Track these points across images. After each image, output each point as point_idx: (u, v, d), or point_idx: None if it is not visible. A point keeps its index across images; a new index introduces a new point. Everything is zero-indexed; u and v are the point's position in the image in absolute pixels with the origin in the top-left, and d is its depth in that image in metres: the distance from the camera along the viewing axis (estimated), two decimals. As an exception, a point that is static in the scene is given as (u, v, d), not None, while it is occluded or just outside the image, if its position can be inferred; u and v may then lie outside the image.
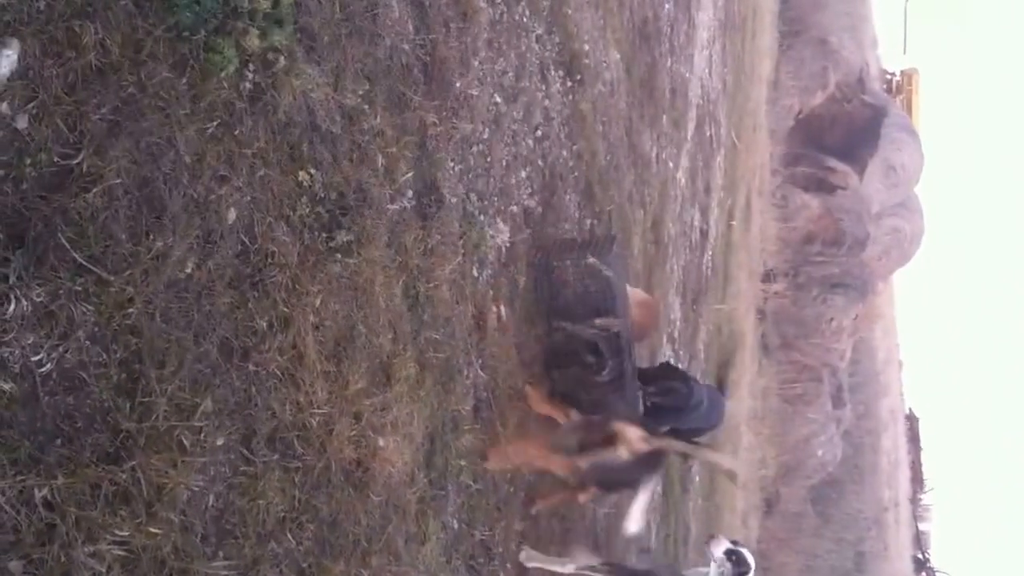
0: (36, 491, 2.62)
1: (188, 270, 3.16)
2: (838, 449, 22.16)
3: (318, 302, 3.84)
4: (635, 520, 5.28)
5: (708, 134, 12.90)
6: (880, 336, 30.01)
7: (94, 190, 2.81)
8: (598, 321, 6.29)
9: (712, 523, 12.22)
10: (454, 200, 5.09)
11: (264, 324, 3.52)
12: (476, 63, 5.43)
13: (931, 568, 40.25)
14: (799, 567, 22.02)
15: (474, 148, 5.42)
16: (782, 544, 20.93)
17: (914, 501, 40.05)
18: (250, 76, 3.50)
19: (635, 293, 7.22)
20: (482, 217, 5.41)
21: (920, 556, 39.65)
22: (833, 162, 20.88)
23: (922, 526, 42.09)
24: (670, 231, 10.49)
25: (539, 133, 6.46)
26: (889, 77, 33.64)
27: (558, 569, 5.86)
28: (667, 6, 10.43)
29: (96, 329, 2.81)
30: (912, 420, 40.54)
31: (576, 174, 7.16)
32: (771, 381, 19.61)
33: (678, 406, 7.24)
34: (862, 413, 25.19)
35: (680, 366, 9.74)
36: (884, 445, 29.51)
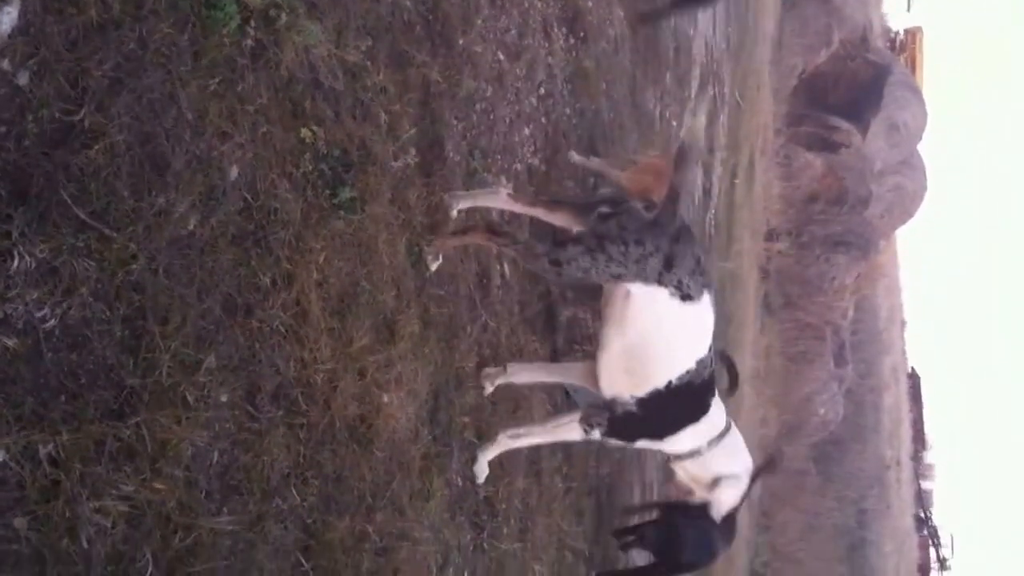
0: (40, 447, 2.62)
1: (191, 227, 3.16)
2: (840, 408, 22.22)
3: (321, 259, 3.84)
4: None
5: (712, 93, 12.84)
6: (883, 294, 30.00)
7: (96, 146, 2.80)
8: None
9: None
10: (457, 158, 5.08)
11: (267, 281, 3.51)
12: (479, 20, 5.40)
13: (933, 526, 40.50)
14: (801, 525, 22.14)
15: (477, 106, 5.41)
16: (784, 503, 21.03)
17: (916, 459, 40.21)
18: (252, 32, 3.49)
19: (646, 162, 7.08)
20: (486, 175, 5.39)
21: (922, 514, 39.87)
22: (836, 121, 20.80)
23: (924, 484, 42.31)
24: (673, 189, 10.44)
25: (542, 91, 6.43)
26: (893, 35, 33.48)
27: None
28: (672, -38, 10.34)
29: (99, 285, 2.81)
30: (914, 378, 40.63)
31: (579, 132, 7.14)
32: (774, 340, 19.63)
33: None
34: (864, 372, 25.22)
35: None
36: (886, 403, 29.57)
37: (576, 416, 4.92)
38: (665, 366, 4.55)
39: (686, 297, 4.27)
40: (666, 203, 4.25)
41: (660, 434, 4.99)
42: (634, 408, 4.68)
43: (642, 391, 4.63)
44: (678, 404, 4.72)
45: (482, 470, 5.10)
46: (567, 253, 4.27)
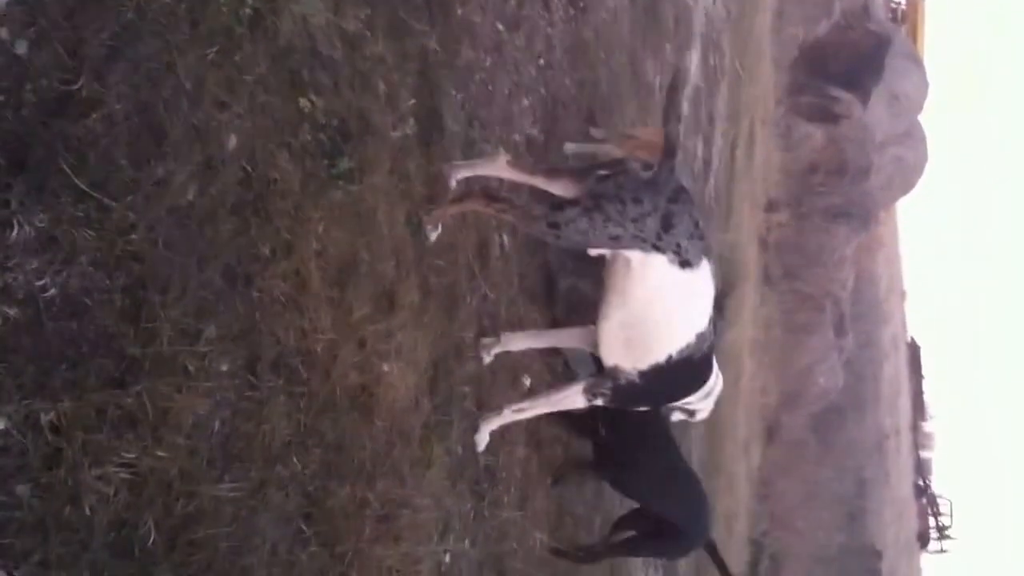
0: (42, 415, 2.64)
1: (190, 196, 3.16)
2: (840, 377, 22.25)
3: (321, 229, 3.84)
4: None
5: (712, 63, 12.80)
6: (882, 265, 30.01)
7: (94, 116, 2.80)
8: None
9: (714, 451, 12.32)
10: (456, 128, 5.07)
11: (267, 251, 3.52)
12: (478, -11, 5.38)
13: (932, 495, 40.64)
14: (801, 494, 22.22)
15: (476, 76, 5.40)
16: (784, 472, 21.10)
17: (915, 429, 40.33)
18: (249, 1, 3.48)
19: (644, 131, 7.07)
20: (485, 146, 5.38)
21: (921, 483, 40.00)
22: (837, 91, 20.71)
23: (923, 453, 42.44)
24: (673, 160, 10.40)
25: (541, 61, 6.41)
26: (894, 5, 33.35)
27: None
28: (671, -68, 10.30)
29: (99, 255, 2.82)
30: (913, 348, 40.69)
31: (579, 103, 7.12)
32: (773, 310, 19.63)
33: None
34: (864, 342, 25.25)
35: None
36: (886, 373, 29.63)
37: (579, 386, 4.96)
38: (666, 340, 4.59)
39: (685, 263, 4.25)
40: (662, 161, 4.25)
41: (661, 402, 5.08)
42: (637, 379, 4.73)
43: (644, 364, 4.67)
44: (679, 377, 4.80)
45: (483, 440, 5.13)
46: (565, 215, 4.25)
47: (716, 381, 5.15)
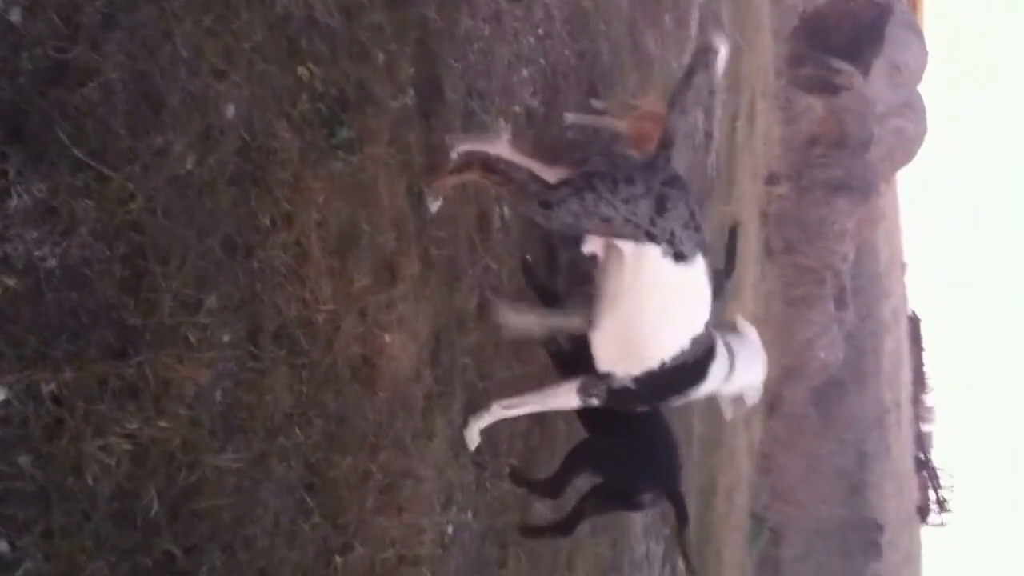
0: (43, 386, 2.63)
1: (189, 166, 3.14)
2: (840, 351, 22.23)
3: (321, 199, 3.83)
4: None
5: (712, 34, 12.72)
6: (883, 238, 29.94)
7: (91, 84, 2.78)
8: None
9: (715, 424, 12.31)
10: (455, 98, 5.05)
11: (267, 221, 3.51)
12: (476, -42, 5.35)
13: (932, 468, 40.74)
14: (802, 468, 22.25)
15: (475, 46, 5.36)
16: (785, 446, 21.12)
17: (916, 402, 40.37)
18: (246, -32, 3.45)
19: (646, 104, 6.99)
20: (484, 116, 5.36)
21: (921, 456, 40.10)
22: (837, 63, 20.63)
23: (924, 427, 42.53)
24: (673, 132, 10.35)
25: (541, 31, 6.37)
26: (895, -25, 33.19)
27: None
28: (669, -100, 10.22)
29: (98, 225, 2.80)
30: (914, 321, 40.71)
31: (579, 74, 7.09)
32: (774, 284, 19.60)
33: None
34: (865, 315, 25.22)
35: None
36: (887, 347, 29.60)
37: (573, 384, 4.87)
38: (659, 344, 4.49)
39: (679, 256, 4.13)
40: (659, 149, 4.19)
41: (657, 403, 4.97)
42: (631, 385, 4.65)
43: (636, 370, 4.59)
44: (674, 380, 4.68)
45: (473, 438, 5.07)
46: (557, 194, 4.19)
47: (737, 366, 4.89)
